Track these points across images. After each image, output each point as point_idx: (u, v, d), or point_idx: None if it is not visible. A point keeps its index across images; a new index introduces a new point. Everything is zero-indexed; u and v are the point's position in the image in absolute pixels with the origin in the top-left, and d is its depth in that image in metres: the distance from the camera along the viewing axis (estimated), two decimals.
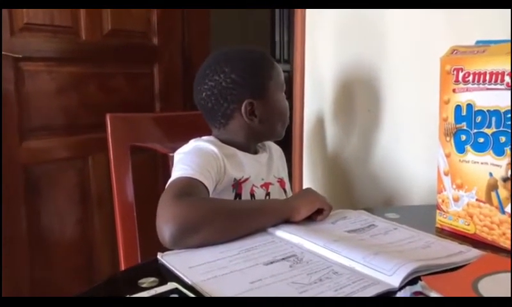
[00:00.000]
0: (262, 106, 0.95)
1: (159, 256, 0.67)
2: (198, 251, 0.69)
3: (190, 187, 0.77)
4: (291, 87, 1.44)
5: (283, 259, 0.66)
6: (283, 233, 0.74)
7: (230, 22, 2.46)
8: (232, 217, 0.73)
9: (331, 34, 1.29)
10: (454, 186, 0.77)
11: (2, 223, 1.45)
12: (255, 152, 1.01)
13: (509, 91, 0.67)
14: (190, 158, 0.85)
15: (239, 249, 0.69)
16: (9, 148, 1.47)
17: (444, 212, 0.80)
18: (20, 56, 1.44)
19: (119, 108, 1.66)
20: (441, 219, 0.81)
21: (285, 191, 1.04)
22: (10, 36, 1.43)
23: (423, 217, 0.90)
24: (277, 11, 3.86)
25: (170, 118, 1.12)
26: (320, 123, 1.32)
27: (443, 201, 0.80)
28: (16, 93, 1.47)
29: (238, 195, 0.92)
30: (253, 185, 0.95)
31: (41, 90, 1.53)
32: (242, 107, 0.94)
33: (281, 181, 1.03)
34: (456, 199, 0.77)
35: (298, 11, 1.41)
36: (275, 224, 0.76)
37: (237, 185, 0.92)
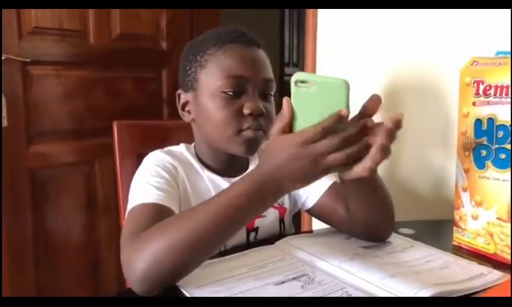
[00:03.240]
0: (192, 101, 0.79)
1: None
2: (206, 267, 0.67)
3: (148, 217, 0.64)
4: None
5: (294, 278, 0.63)
6: (294, 250, 0.72)
7: (239, 25, 2.46)
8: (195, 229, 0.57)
9: (345, 37, 1.25)
10: (473, 203, 0.73)
11: (9, 227, 1.44)
12: (239, 172, 0.77)
13: None
14: (148, 179, 0.72)
15: (248, 266, 0.66)
16: (16, 152, 1.45)
17: (462, 229, 0.76)
18: (28, 60, 1.43)
19: (126, 113, 1.65)
20: (458, 237, 0.77)
21: (282, 223, 0.85)
22: (18, 40, 1.42)
23: (439, 233, 0.86)
24: (287, 13, 3.83)
25: (178, 125, 1.10)
26: None
27: (460, 218, 0.76)
28: (24, 97, 1.45)
29: None
30: None
31: (48, 94, 1.51)
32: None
33: (280, 209, 0.84)
34: (475, 217, 0.74)
35: (310, 12, 1.34)
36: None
37: None
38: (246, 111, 0.73)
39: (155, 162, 0.76)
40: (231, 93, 0.74)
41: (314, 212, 0.85)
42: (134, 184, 0.74)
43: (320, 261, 0.67)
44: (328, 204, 0.81)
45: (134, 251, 0.58)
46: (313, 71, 1.35)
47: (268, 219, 0.82)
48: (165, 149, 0.81)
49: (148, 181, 0.71)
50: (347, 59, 1.25)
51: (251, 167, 0.84)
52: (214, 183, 0.79)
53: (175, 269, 0.58)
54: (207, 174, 0.80)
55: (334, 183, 0.83)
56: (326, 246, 0.73)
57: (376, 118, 0.56)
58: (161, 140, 1.05)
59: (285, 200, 0.86)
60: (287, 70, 3.78)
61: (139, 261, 0.56)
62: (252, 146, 0.76)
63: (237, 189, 0.58)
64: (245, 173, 0.62)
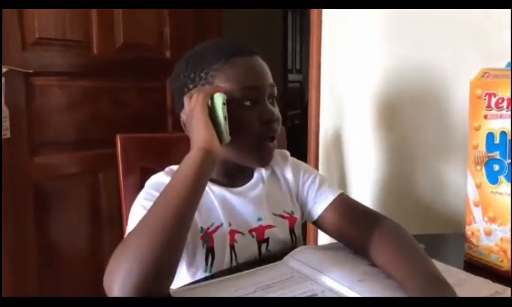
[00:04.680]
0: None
1: (171, 292, 0.63)
2: (212, 286, 0.65)
3: None
4: (301, 99, 1.38)
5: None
6: (303, 266, 0.70)
7: (242, 32, 2.45)
8: (157, 214, 0.60)
9: (351, 40, 1.22)
10: (486, 219, 0.72)
11: (12, 239, 1.43)
12: (243, 181, 0.81)
13: None
14: (142, 203, 0.71)
15: (255, 286, 0.65)
16: (20, 163, 1.44)
17: (474, 245, 0.74)
18: (31, 71, 1.42)
19: (131, 123, 1.64)
20: (470, 253, 0.75)
21: (293, 233, 0.82)
22: (22, 51, 1.41)
23: (449, 248, 0.84)
24: (289, 19, 3.82)
25: (181, 138, 1.08)
26: (337, 142, 1.27)
27: (472, 233, 0.75)
28: (27, 108, 1.44)
29: (210, 250, 0.74)
30: (236, 231, 0.76)
31: (52, 105, 1.51)
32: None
33: (290, 219, 0.82)
34: (488, 233, 0.72)
35: (314, 12, 1.28)
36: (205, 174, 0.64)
37: (207, 236, 0.74)
38: (265, 118, 0.74)
39: (151, 186, 0.75)
40: (248, 104, 0.74)
41: (319, 225, 0.84)
42: (131, 209, 0.73)
43: (329, 279, 0.65)
44: (332, 218, 0.80)
45: (107, 274, 0.60)
46: (318, 79, 1.34)
47: (278, 229, 0.80)
48: (166, 169, 0.80)
49: (142, 205, 0.71)
50: (353, 62, 1.22)
51: (256, 174, 0.83)
52: (218, 195, 0.78)
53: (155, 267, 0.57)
54: (210, 187, 0.78)
55: (339, 196, 0.82)
56: (334, 262, 0.71)
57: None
58: (165, 153, 1.03)
59: (296, 210, 0.84)
60: (290, 76, 3.77)
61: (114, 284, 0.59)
62: (270, 156, 0.78)
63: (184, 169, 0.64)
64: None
